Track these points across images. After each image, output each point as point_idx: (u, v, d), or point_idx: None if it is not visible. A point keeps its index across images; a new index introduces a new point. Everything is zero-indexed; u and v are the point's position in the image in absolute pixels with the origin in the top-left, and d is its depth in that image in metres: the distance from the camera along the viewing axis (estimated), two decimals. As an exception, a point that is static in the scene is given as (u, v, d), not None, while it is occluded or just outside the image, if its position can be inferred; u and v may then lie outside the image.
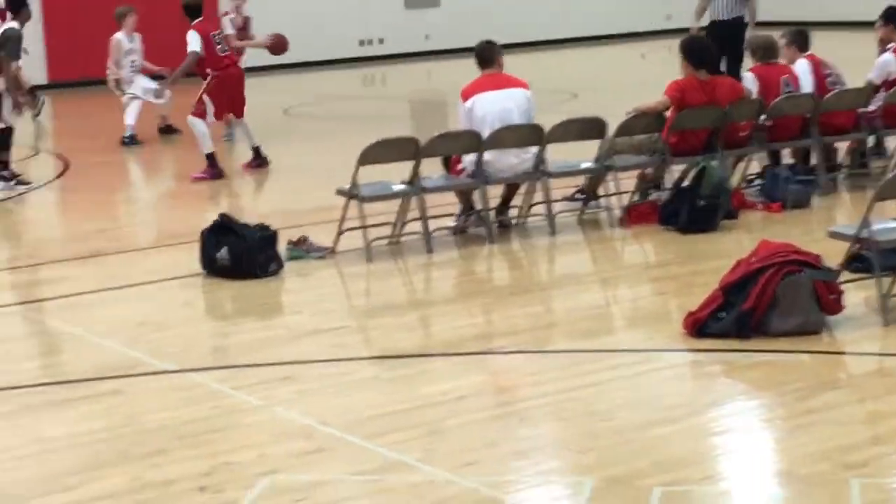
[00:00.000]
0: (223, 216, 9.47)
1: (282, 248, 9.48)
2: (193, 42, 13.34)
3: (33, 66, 24.64)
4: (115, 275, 9.45)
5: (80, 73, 24.97)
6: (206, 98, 13.39)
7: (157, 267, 9.70)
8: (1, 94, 13.10)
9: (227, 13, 16.79)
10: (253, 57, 17.56)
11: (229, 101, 13.72)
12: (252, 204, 12.85)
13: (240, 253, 9.10)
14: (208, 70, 13.41)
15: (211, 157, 13.32)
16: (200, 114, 13.35)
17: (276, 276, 9.18)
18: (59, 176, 14.55)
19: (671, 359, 7.16)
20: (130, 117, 15.98)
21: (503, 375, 7.17)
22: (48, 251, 10.62)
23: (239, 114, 14.00)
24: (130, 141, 15.89)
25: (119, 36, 16.29)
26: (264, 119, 16.22)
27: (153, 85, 16.12)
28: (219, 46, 13.56)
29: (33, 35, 24.65)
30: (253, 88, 14.73)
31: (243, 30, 16.53)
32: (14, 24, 13.30)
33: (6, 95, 13.08)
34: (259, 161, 13.86)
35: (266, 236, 9.32)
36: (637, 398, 6.51)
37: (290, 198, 12.55)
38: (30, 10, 13.87)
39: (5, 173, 13.29)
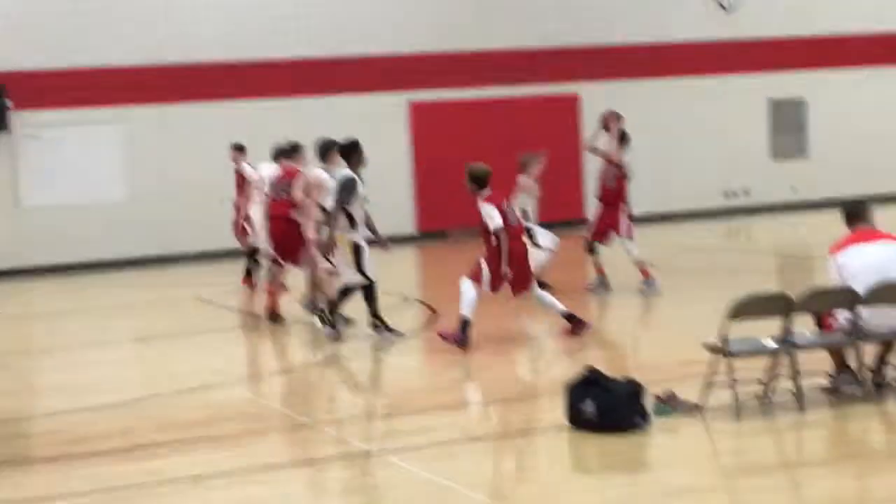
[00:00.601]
0: (590, 369, 9.42)
1: (649, 402, 9.34)
2: (494, 216, 12.84)
3: (402, 216, 25.66)
4: (478, 425, 9.52)
5: (447, 223, 25.74)
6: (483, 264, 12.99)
7: (520, 418, 9.72)
8: (360, 247, 13.45)
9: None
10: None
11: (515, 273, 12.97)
12: (616, 357, 12.78)
13: (606, 407, 9.02)
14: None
15: (465, 323, 12.84)
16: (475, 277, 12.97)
17: (642, 432, 9.03)
18: (426, 325, 14.88)
19: None
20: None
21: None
22: (414, 399, 10.81)
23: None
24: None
25: (523, 179, 16.25)
26: (625, 272, 16.21)
27: (548, 233, 16.11)
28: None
29: (403, 187, 25.70)
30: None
31: None
32: (347, 171, 13.56)
33: (364, 249, 13.41)
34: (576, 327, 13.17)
35: (633, 391, 9.20)
36: None
37: (657, 352, 12.41)
38: (363, 154, 13.79)
39: (378, 325, 13.61)
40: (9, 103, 23.28)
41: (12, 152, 23.52)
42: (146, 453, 9.25)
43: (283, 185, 15.24)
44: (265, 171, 16.58)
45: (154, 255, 24.26)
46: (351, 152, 13.77)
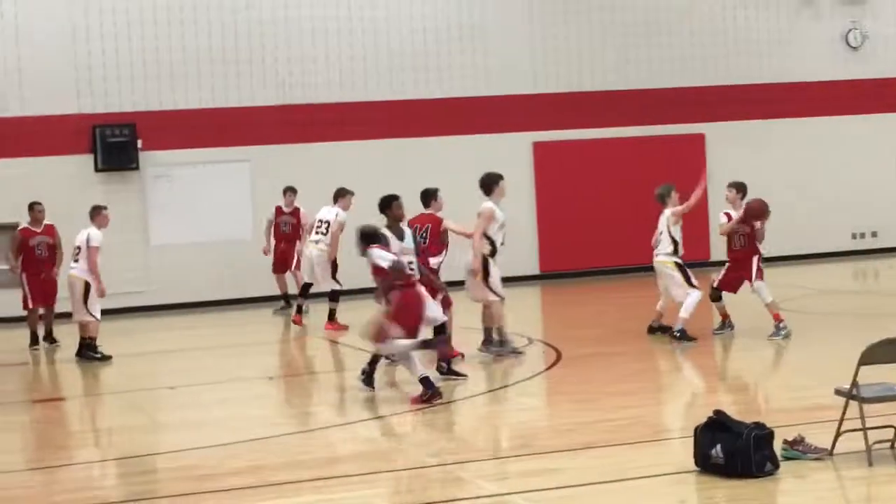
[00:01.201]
0: (718, 413, 9.31)
1: (777, 447, 9.21)
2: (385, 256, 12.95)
3: (525, 256, 25.65)
4: (608, 468, 9.47)
5: (569, 265, 25.70)
6: None
7: (648, 461, 9.64)
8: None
9: None
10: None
11: None
12: (744, 400, 12.61)
13: (734, 451, 8.91)
14: None
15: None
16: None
17: (771, 477, 8.90)
18: (550, 366, 14.85)
19: None
20: (687, 310, 15.76)
21: None
22: (541, 441, 10.78)
23: None
24: (682, 336, 15.66)
25: (672, 210, 16.16)
26: (753, 314, 16.04)
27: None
28: None
29: (526, 228, 25.68)
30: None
31: None
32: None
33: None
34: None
35: (762, 435, 9.08)
36: None
37: (786, 395, 12.24)
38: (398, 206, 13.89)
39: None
40: (139, 143, 23.75)
41: (142, 191, 23.96)
42: (273, 492, 9.34)
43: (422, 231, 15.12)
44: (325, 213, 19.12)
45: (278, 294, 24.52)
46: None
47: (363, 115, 25.38)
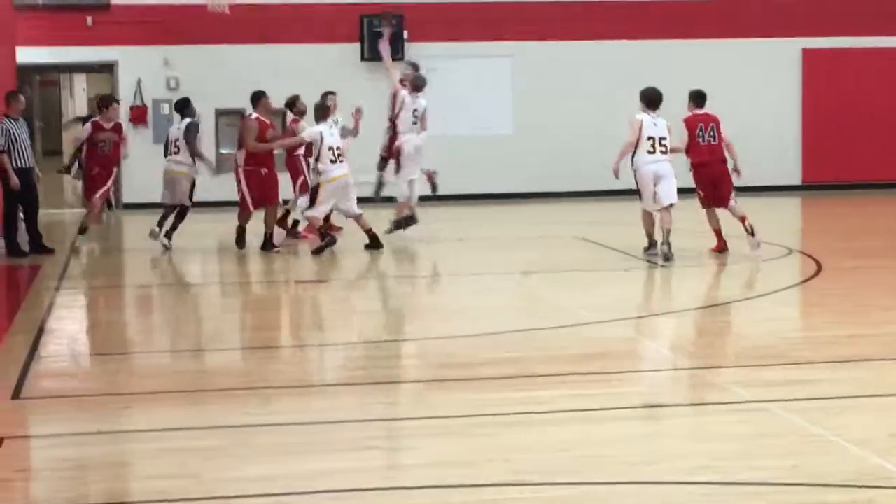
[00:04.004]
0: None
1: None
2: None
3: (789, 167, 25.03)
4: (870, 382, 9.19)
5: (834, 177, 25.01)
6: None
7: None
8: None
9: None
10: None
11: None
12: None
13: None
14: None
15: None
16: None
17: None
18: (810, 278, 14.48)
19: None
20: None
21: None
22: (798, 352, 10.54)
23: None
24: None
25: None
26: None
27: None
28: None
29: (789, 138, 25.02)
30: None
31: None
32: None
33: None
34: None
35: None
36: None
37: None
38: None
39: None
40: (405, 34, 23.96)
41: (407, 82, 24.21)
42: (528, 383, 9.37)
43: (708, 129, 15.85)
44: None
45: (535, 192, 24.57)
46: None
47: (628, 14, 25.04)
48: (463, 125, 24.39)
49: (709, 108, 15.88)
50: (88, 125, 18.23)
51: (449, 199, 23.57)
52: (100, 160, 17.93)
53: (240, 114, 23.47)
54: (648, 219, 15.79)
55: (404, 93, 18.23)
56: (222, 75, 23.96)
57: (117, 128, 18.25)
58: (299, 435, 7.92)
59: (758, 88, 25.20)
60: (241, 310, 13.61)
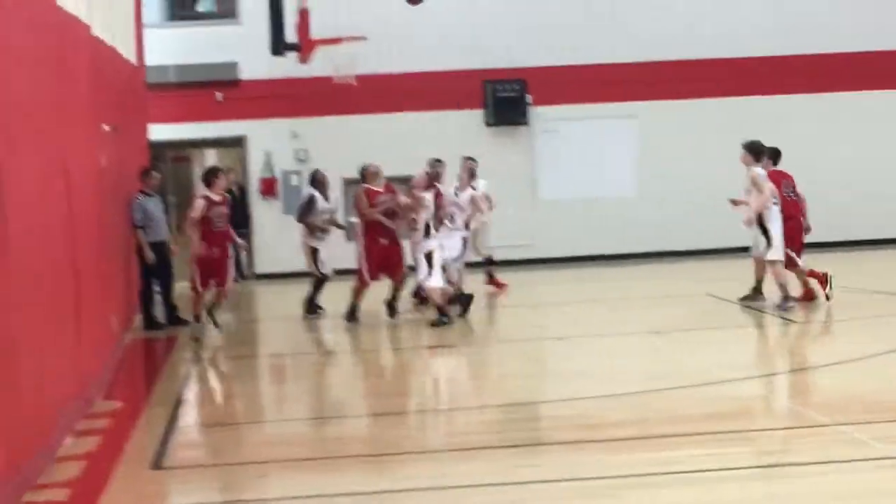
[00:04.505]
0: None
1: None
2: None
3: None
4: None
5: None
6: None
7: None
8: None
9: None
10: None
11: None
12: None
13: None
14: None
15: None
16: None
17: None
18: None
19: None
20: None
21: None
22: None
23: None
24: None
25: None
26: None
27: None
28: None
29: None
30: None
31: None
32: None
33: None
34: None
35: None
36: None
37: None
38: None
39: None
40: (529, 99, 24.08)
41: (531, 146, 24.32)
42: (655, 444, 9.29)
43: (789, 185, 16.45)
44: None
45: (658, 251, 24.44)
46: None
47: (745, 71, 24.89)
48: (586, 187, 24.40)
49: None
50: (201, 201, 16.51)
51: (575, 260, 23.59)
52: (214, 238, 16.52)
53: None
54: (782, 270, 15.78)
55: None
56: (350, 144, 24.26)
57: (225, 201, 16.94)
58: (435, 500, 7.92)
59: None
60: (370, 376, 13.70)
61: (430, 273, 16.12)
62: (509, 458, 9.00)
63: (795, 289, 16.22)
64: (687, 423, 9.93)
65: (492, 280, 19.95)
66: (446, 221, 16.66)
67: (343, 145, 24.32)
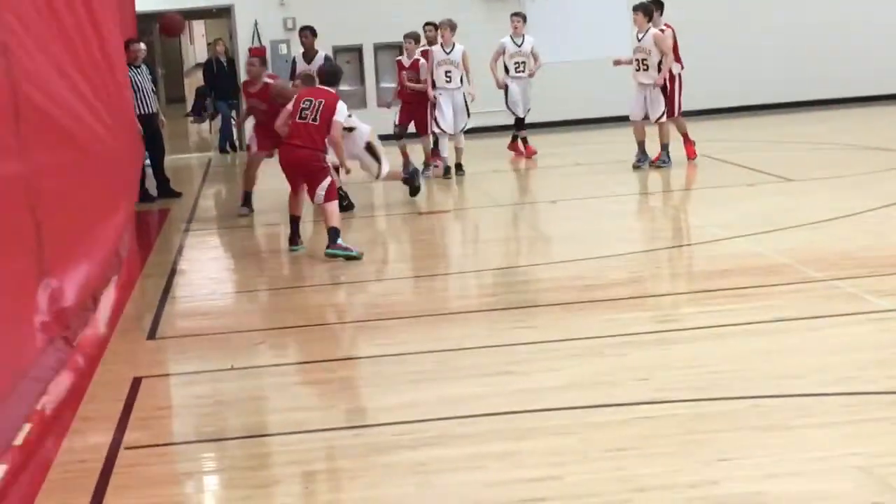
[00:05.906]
0: None
1: None
2: None
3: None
4: None
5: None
6: None
7: None
8: None
9: None
10: None
11: None
12: None
13: None
14: None
15: None
16: None
17: None
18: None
19: None
20: None
21: None
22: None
23: None
24: None
25: None
26: None
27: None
28: None
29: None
30: None
31: None
32: None
33: None
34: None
35: None
36: None
37: None
38: None
39: None
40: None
41: (521, 9, 24.03)
42: (655, 303, 9.30)
43: None
44: None
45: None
46: None
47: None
48: (581, 50, 24.21)
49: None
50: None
51: (562, 124, 23.48)
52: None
53: (357, 50, 23.60)
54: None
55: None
56: (336, 12, 23.93)
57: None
58: (433, 363, 7.94)
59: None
60: (364, 243, 13.67)
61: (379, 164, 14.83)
62: (505, 321, 9.00)
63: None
64: (684, 280, 9.93)
65: (514, 144, 19.80)
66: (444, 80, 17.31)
67: (330, 13, 23.97)
